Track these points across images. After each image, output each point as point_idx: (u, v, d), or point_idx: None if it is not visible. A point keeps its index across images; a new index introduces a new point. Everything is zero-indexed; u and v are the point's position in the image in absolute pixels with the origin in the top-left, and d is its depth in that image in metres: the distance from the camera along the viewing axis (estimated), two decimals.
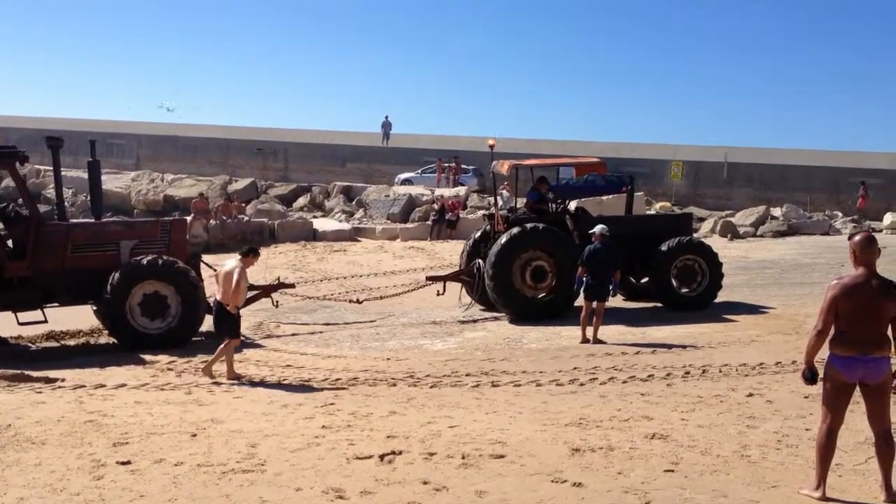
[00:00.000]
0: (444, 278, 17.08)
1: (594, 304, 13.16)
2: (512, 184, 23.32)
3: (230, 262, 10.91)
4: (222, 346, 10.73)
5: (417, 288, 17.25)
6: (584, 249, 13.53)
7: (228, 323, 10.80)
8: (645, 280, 16.54)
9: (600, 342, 13.00)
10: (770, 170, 37.34)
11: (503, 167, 16.68)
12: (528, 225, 15.44)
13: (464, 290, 16.72)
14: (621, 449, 7.20)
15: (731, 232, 29.89)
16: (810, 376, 6.07)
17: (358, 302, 16.28)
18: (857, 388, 6.00)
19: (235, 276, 10.57)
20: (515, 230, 15.36)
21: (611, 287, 13.41)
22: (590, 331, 13.13)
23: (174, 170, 44.00)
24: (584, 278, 13.28)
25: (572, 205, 18.39)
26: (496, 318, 15.60)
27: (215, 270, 14.00)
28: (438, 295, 16.76)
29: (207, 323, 14.14)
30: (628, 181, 19.21)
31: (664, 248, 15.81)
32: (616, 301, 15.17)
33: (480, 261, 15.90)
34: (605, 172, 34.32)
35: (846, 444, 6.98)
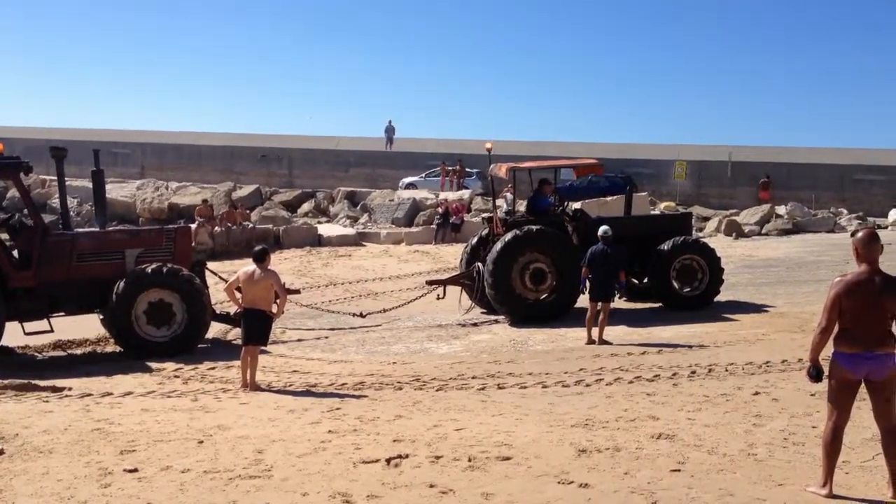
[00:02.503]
0: (444, 282, 17.06)
1: (599, 305, 13.15)
2: (512, 186, 23.35)
3: (249, 266, 10.59)
4: (250, 357, 10.45)
5: (419, 297, 17.21)
6: (587, 250, 13.53)
7: (266, 329, 10.74)
8: (646, 280, 16.52)
9: (606, 343, 13.00)
10: (774, 168, 37.27)
11: (501, 170, 16.69)
12: (525, 227, 15.42)
13: (463, 293, 16.72)
14: (628, 449, 7.20)
15: (735, 231, 29.85)
16: (815, 374, 6.08)
17: (362, 316, 16.29)
18: (863, 385, 6.00)
19: (279, 281, 10.64)
20: (511, 234, 15.34)
21: (617, 288, 13.40)
22: (595, 332, 13.13)
23: (179, 178, 43.98)
24: (588, 279, 13.27)
25: (572, 206, 18.39)
26: (501, 321, 15.58)
27: (221, 278, 14.03)
28: (439, 299, 16.74)
29: (213, 330, 14.21)
30: (625, 182, 19.23)
31: (663, 248, 15.80)
32: (619, 302, 15.15)
33: (480, 264, 15.89)
34: (602, 173, 34.45)
35: (853, 441, 6.98)
